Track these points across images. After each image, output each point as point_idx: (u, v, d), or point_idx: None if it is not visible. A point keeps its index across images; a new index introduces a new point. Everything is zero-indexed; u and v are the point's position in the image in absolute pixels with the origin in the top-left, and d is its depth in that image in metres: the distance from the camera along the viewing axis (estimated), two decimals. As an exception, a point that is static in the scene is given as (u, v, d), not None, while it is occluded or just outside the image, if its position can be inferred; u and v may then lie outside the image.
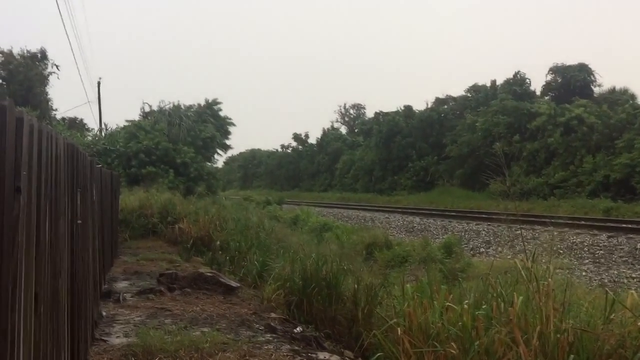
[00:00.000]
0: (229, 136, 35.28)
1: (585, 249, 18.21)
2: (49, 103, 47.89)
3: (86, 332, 5.26)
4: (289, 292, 7.94)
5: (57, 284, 3.54)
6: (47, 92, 47.79)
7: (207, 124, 32.07)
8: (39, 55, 46.60)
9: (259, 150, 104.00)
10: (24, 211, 2.47)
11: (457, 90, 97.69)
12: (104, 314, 7.24)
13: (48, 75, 46.95)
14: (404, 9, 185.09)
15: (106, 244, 9.58)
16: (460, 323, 4.91)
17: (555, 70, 47.02)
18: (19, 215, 2.38)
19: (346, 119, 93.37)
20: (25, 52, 45.72)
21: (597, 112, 35.61)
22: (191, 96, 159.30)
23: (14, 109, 2.33)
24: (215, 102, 34.30)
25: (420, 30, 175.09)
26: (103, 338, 6.15)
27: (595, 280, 15.37)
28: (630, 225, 20.37)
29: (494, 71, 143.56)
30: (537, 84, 54.73)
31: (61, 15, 28.93)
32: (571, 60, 50.95)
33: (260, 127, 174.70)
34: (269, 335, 6.52)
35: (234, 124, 35.29)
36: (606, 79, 77.61)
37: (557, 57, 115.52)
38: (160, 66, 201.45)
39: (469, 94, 51.85)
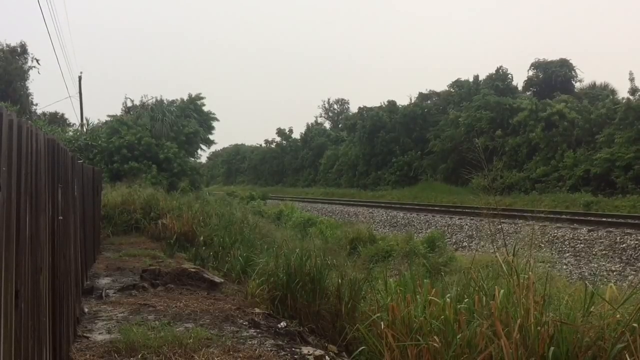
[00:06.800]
0: (213, 131, 35.15)
1: (566, 242, 18.43)
2: (29, 98, 47.32)
3: (68, 329, 5.22)
4: (273, 287, 7.93)
5: (38, 280, 3.51)
6: (27, 87, 47.22)
7: (190, 119, 31.89)
8: (19, 49, 45.98)
9: (242, 145, 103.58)
10: (3, 207, 2.45)
11: (440, 85, 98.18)
12: (86, 310, 7.19)
13: (28, 70, 46.36)
14: (387, 5, 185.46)
15: (88, 240, 9.51)
16: (442, 317, 4.95)
17: (537, 65, 47.39)
18: (-2, 211, 2.36)
19: (330, 114, 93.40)
20: (4, 46, 45.09)
21: (578, 107, 35.96)
22: (174, 91, 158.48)
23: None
24: (199, 97, 34.11)
25: (404, 25, 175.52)
26: (85, 335, 6.11)
27: (575, 273, 15.58)
28: (610, 219, 20.64)
29: (476, 66, 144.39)
30: (519, 80, 55.22)
31: (41, 9, 28.61)
32: (552, 55, 51.43)
33: (244, 122, 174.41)
34: (252, 330, 6.52)
35: (217, 119, 35.16)
36: (587, 75, 78.68)
37: (538, 53, 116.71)
38: (143, 61, 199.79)
39: (452, 89, 52.02)
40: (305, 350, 5.87)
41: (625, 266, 15.59)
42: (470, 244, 21.10)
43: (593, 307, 4.53)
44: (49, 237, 4.14)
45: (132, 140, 26.05)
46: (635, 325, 4.12)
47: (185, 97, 33.99)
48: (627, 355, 4.02)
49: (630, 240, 16.94)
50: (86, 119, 35.30)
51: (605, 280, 13.73)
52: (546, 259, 15.42)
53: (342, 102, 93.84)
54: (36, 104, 48.15)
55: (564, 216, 22.30)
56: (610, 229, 18.54)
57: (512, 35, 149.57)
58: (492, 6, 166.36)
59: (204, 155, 58.95)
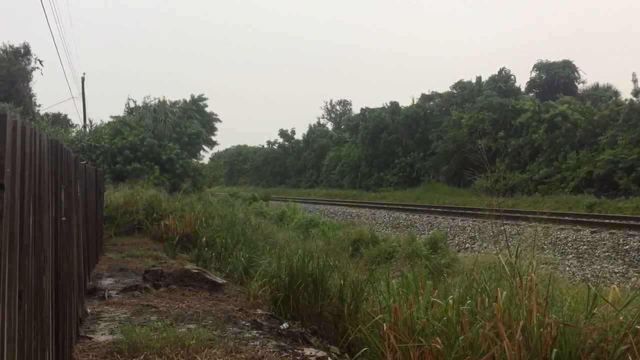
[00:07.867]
0: (215, 132, 35.22)
1: (569, 244, 18.41)
2: (33, 99, 47.44)
3: (71, 330, 5.23)
4: (275, 288, 7.94)
5: (41, 281, 3.52)
6: (30, 88, 47.35)
7: (192, 120, 31.91)
8: (22, 50, 46.13)
9: (245, 146, 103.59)
10: (7, 208, 2.45)
11: (443, 86, 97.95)
12: (88, 311, 7.19)
13: (31, 71, 46.50)
14: (390, 5, 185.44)
15: (91, 241, 9.52)
16: (445, 318, 4.95)
17: (540, 66, 47.30)
18: (2, 212, 2.36)
19: (332, 115, 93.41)
20: (7, 47, 45.22)
21: (581, 108, 35.91)
22: (177, 92, 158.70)
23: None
24: (201, 98, 34.14)
25: (407, 26, 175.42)
26: (88, 335, 6.12)
27: (578, 275, 15.56)
28: (612, 221, 20.61)
29: (479, 68, 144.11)
30: (521, 81, 55.11)
31: (44, 10, 28.64)
32: (555, 57, 51.33)
33: (247, 123, 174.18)
34: (255, 331, 6.52)
35: (219, 120, 35.21)
36: (590, 76, 78.57)
37: (541, 54, 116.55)
38: (145, 62, 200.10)
39: (454, 91, 51.93)
40: (308, 351, 5.87)
41: (628, 268, 15.56)
42: (473, 246, 21.09)
43: (596, 309, 4.52)
44: (52, 238, 4.15)
45: (134, 141, 26.05)
46: (638, 327, 4.12)
47: (188, 98, 34.05)
48: (629, 357, 4.02)
49: (633, 242, 16.91)
50: (89, 120, 35.39)
51: (608, 281, 13.70)
52: (549, 261, 15.40)
53: (345, 103, 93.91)
54: (39, 105, 48.31)
55: (566, 217, 22.26)
56: (613, 231, 18.50)
57: (515, 37, 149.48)
58: (494, 7, 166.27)
59: (206, 156, 59.03)
